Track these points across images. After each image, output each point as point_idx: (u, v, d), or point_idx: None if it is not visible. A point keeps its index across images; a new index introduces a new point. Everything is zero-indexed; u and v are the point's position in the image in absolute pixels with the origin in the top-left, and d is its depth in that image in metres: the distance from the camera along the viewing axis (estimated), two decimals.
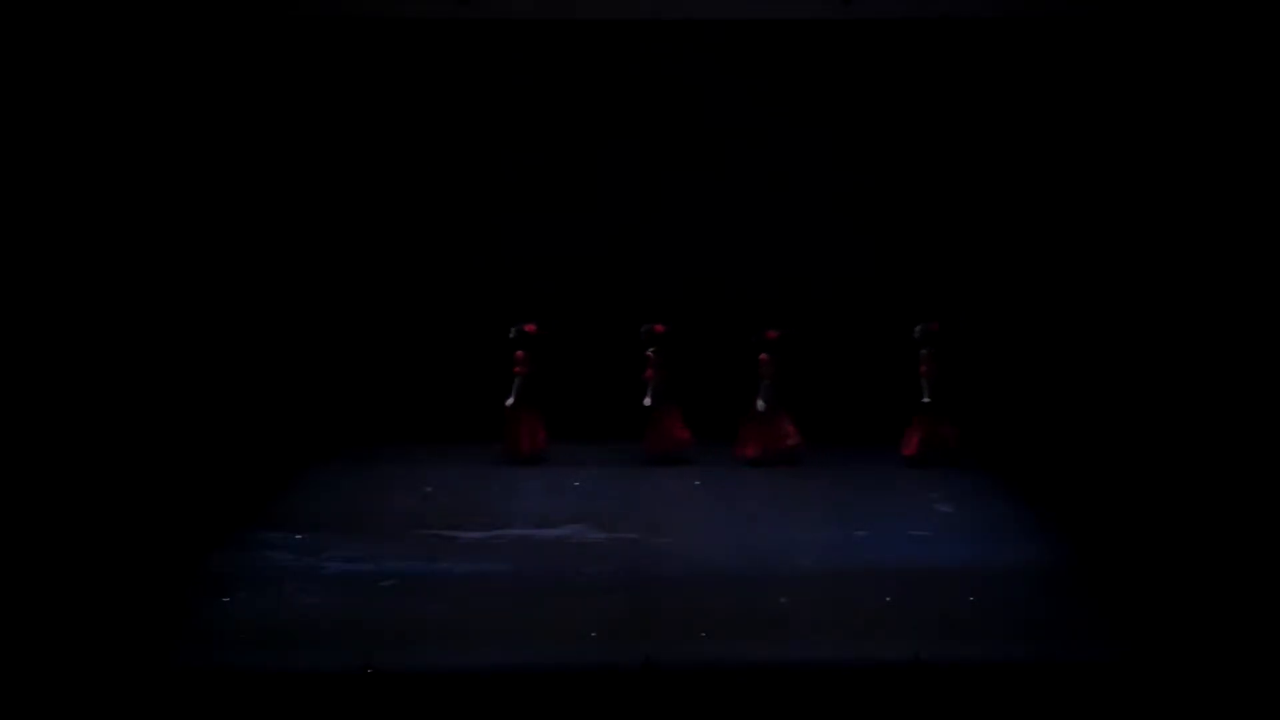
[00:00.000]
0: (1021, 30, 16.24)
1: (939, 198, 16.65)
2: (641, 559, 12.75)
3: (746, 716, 9.87)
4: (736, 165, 16.68)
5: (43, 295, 14.38)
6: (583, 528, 13.53)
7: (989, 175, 16.55)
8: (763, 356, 15.48)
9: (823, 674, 10.17)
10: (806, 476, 15.13)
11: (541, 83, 16.64)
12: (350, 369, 16.52)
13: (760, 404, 15.47)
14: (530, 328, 15.60)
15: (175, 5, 15.64)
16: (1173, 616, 11.22)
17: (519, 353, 15.50)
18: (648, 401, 15.54)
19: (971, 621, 11.30)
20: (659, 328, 15.66)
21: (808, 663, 10.38)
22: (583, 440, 15.92)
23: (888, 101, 16.60)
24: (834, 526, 13.55)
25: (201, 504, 13.76)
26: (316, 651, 10.68)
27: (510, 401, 15.48)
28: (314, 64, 16.38)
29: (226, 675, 10.24)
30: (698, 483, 14.99)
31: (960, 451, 15.49)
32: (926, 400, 15.43)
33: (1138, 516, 13.35)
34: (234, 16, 15.96)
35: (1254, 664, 10.29)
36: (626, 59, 16.63)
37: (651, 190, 16.76)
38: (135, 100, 15.51)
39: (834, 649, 10.71)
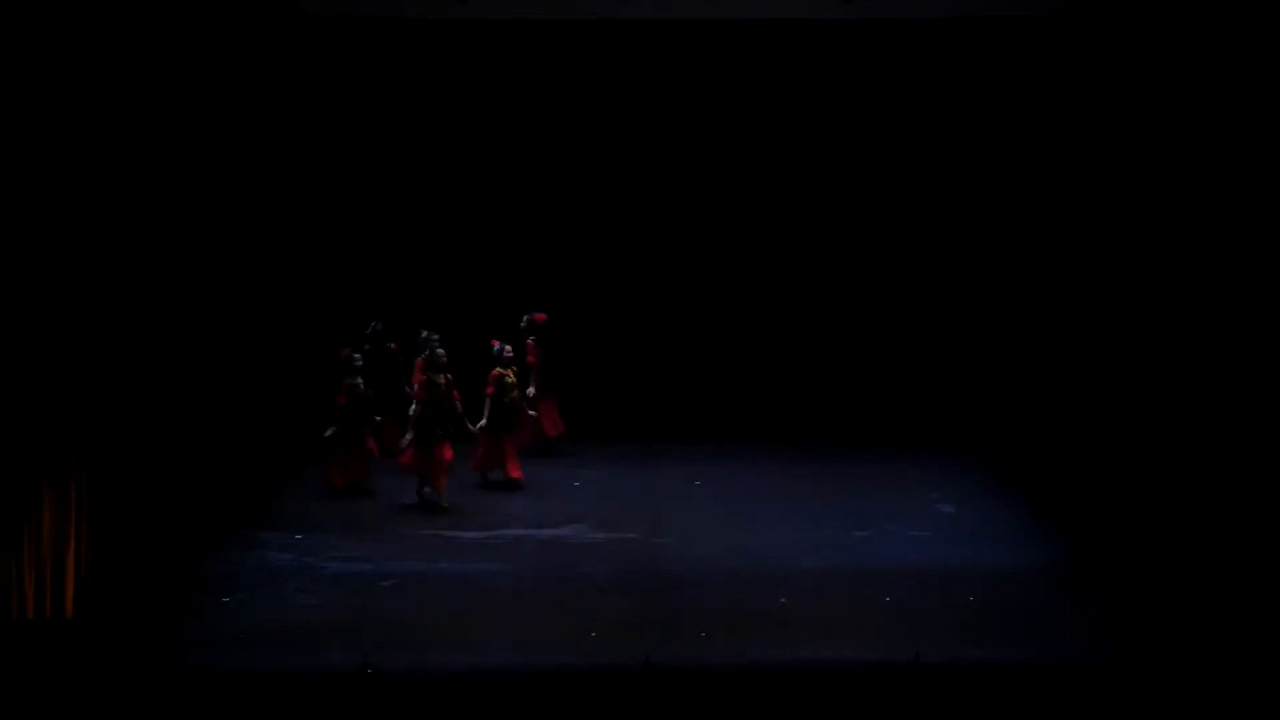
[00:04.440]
0: (1021, 30, 16.22)
1: (936, 196, 16.65)
2: (641, 559, 12.76)
3: (746, 716, 9.88)
4: (735, 165, 16.69)
5: (43, 296, 14.37)
6: (583, 528, 13.53)
7: (986, 174, 16.54)
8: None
9: (823, 674, 10.17)
10: (806, 476, 15.12)
11: (541, 82, 16.63)
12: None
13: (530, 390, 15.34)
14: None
15: (175, 5, 15.62)
16: (1172, 616, 11.23)
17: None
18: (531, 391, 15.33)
19: (971, 621, 11.31)
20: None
21: (808, 663, 10.38)
22: (582, 439, 15.92)
23: (886, 102, 16.61)
24: (834, 526, 13.56)
25: (201, 504, 13.76)
26: (316, 651, 10.69)
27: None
28: (314, 64, 16.37)
29: (226, 675, 10.25)
30: (698, 482, 14.99)
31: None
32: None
33: (1137, 517, 13.35)
34: (234, 16, 15.94)
35: (1253, 664, 10.30)
36: (626, 59, 16.62)
37: (649, 190, 16.76)
38: (135, 101, 15.48)
39: (834, 649, 10.72)
